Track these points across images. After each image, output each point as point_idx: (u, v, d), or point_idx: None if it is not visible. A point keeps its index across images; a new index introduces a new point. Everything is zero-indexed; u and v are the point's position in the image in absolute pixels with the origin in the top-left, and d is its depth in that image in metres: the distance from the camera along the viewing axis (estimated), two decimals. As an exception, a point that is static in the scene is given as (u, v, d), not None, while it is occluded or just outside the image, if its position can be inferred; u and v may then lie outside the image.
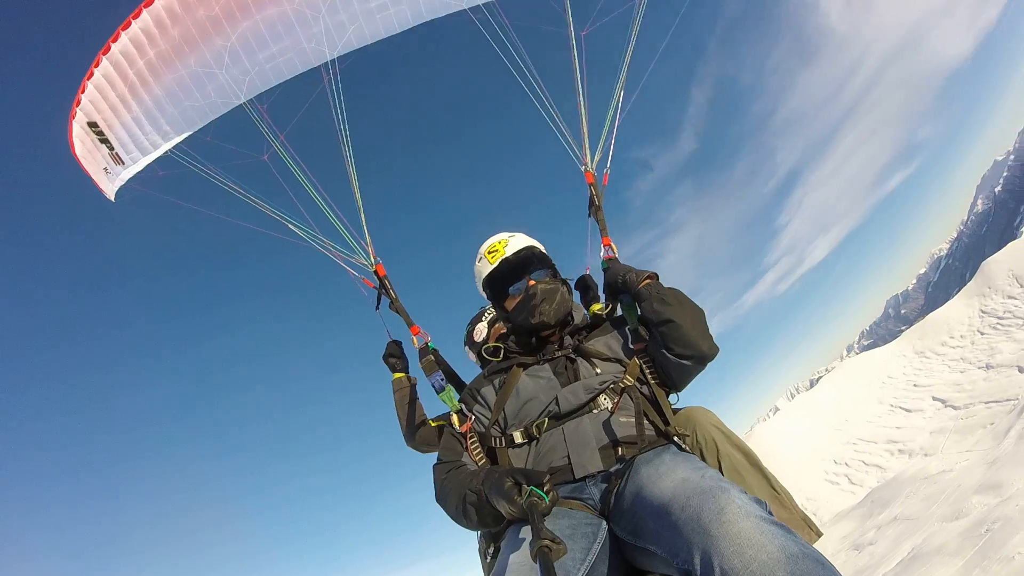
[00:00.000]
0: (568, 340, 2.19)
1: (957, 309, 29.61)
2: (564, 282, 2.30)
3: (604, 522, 1.71)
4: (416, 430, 2.89)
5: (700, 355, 1.95)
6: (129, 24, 3.02)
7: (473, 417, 2.16)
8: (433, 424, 2.90)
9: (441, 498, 1.97)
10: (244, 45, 3.23)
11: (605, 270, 2.39)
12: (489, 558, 2.02)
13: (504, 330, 2.66)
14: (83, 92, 3.18)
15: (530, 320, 2.16)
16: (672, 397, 2.09)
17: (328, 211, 3.07)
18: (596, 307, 2.40)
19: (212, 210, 3.71)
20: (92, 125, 3.29)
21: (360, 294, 3.03)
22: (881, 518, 11.01)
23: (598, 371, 2.03)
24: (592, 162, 2.91)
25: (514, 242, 2.29)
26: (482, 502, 1.76)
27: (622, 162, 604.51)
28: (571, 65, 3.11)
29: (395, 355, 2.91)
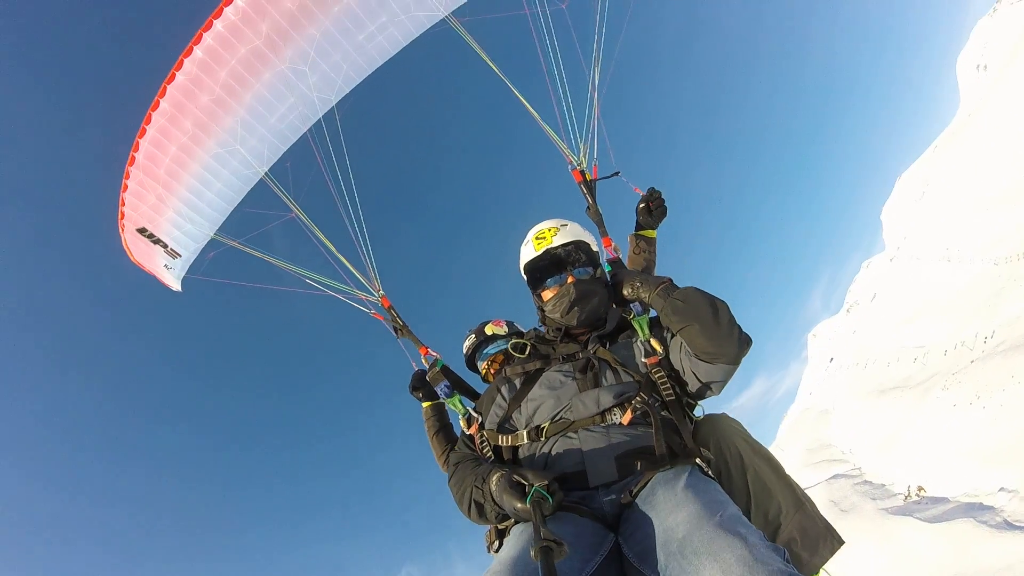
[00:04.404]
0: (595, 342, 2.11)
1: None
2: (605, 285, 2.21)
3: (612, 535, 1.64)
4: (447, 457, 2.92)
5: (726, 356, 1.81)
6: (144, 131, 3.08)
7: (479, 419, 2.13)
8: None
9: (451, 487, 1.98)
10: (254, 114, 3.25)
11: (612, 276, 2.27)
12: (494, 552, 2.02)
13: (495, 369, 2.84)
14: (123, 205, 3.31)
15: (561, 318, 2.13)
16: (698, 410, 2.04)
17: (344, 261, 3.17)
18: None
19: (243, 280, 3.89)
20: (142, 231, 3.43)
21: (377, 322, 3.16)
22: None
23: (617, 380, 1.96)
24: (580, 157, 2.72)
25: (564, 233, 2.21)
26: (488, 502, 1.74)
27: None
28: (550, 56, 2.95)
29: (417, 386, 2.86)
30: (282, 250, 3.41)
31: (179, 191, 3.37)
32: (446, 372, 2.71)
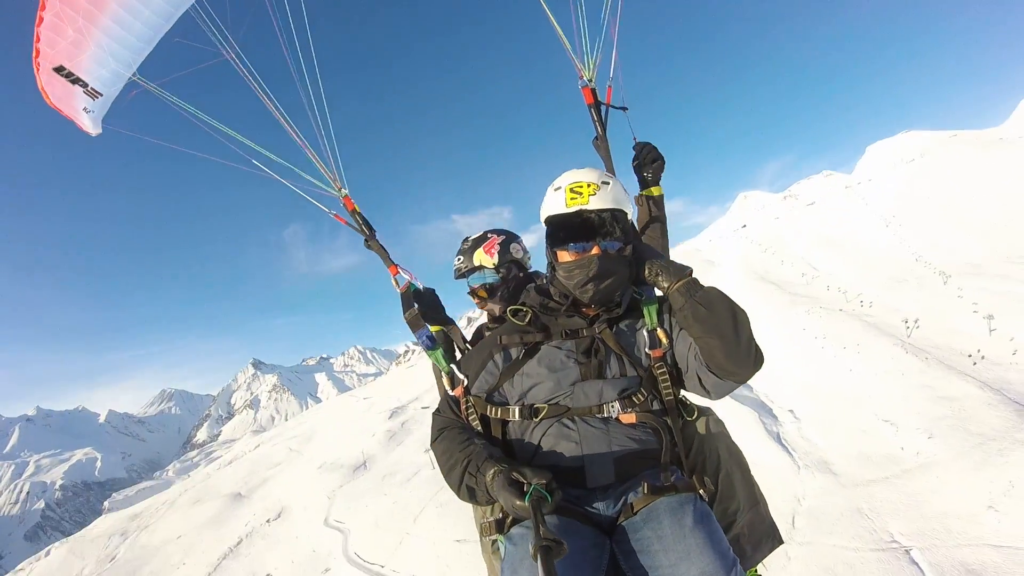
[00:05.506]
0: (602, 322, 1.94)
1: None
2: (629, 264, 1.94)
3: (608, 541, 1.65)
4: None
5: (739, 375, 1.74)
6: (66, -51, 2.50)
7: (465, 381, 2.01)
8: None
9: (435, 453, 1.91)
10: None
11: (633, 249, 2.04)
12: (485, 537, 2.05)
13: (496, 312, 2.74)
14: (39, 41, 2.77)
15: (572, 288, 1.91)
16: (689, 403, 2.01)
17: (292, 129, 2.68)
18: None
19: (174, 143, 3.42)
20: (59, 69, 2.95)
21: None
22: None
23: (621, 371, 1.87)
24: (591, 73, 2.33)
25: (603, 195, 1.86)
26: (480, 490, 1.69)
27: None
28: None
29: (427, 316, 2.51)
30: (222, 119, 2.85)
31: (102, 21, 2.88)
32: (417, 298, 2.50)
